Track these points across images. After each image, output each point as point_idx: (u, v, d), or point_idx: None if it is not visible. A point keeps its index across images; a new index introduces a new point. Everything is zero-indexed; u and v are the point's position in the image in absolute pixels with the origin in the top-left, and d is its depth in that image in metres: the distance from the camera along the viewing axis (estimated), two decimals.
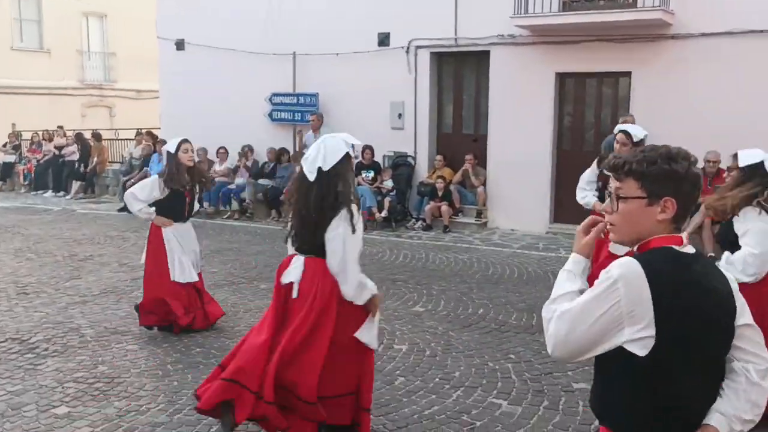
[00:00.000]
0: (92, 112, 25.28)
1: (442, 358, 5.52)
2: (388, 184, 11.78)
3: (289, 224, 3.95)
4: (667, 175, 1.97)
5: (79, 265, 8.88)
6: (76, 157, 16.62)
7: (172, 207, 6.05)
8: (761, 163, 4.23)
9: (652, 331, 1.87)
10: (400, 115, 12.25)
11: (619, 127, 5.82)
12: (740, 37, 9.43)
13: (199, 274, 6.31)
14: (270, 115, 13.48)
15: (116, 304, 7.07)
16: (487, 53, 11.40)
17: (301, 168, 3.87)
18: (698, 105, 9.73)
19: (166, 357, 5.57)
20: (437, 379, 5.08)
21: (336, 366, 3.74)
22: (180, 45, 14.42)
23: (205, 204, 13.30)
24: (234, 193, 13.22)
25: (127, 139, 18.14)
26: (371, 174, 12.02)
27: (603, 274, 1.95)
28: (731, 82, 9.54)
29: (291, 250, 3.95)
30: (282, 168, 13.03)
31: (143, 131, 16.50)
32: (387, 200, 11.63)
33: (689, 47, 9.82)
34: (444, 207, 11.37)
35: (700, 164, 9.68)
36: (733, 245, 4.20)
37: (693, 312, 1.90)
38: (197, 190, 6.28)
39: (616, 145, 5.65)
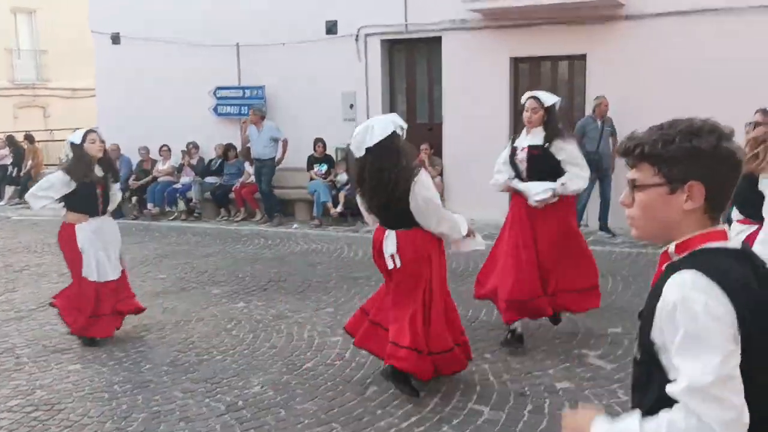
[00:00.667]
0: (25, 113, 24.12)
1: None
2: (342, 177, 11.36)
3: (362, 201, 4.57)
4: (689, 154, 1.59)
5: (14, 277, 8.25)
6: (8, 161, 15.77)
7: (84, 201, 5.58)
8: None
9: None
10: (351, 106, 11.84)
11: (527, 93, 5.41)
12: (692, 17, 9.32)
13: (123, 272, 5.87)
14: (215, 109, 12.91)
15: (56, 318, 6.47)
16: (438, 39, 11.08)
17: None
18: (653, 85, 9.60)
19: (112, 377, 5.08)
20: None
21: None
22: (116, 39, 13.67)
23: (149, 205, 12.69)
24: (180, 192, 12.62)
25: (63, 140, 17.21)
26: (324, 168, 11.58)
27: (666, 315, 1.53)
28: (684, 62, 9.43)
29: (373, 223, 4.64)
30: (229, 165, 12.48)
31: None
32: (342, 194, 11.21)
33: (642, 27, 9.67)
34: None
35: None
36: (749, 205, 3.95)
37: None
38: (111, 181, 5.83)
39: (526, 113, 5.21)
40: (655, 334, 1.55)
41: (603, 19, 9.86)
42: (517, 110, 10.90)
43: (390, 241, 4.36)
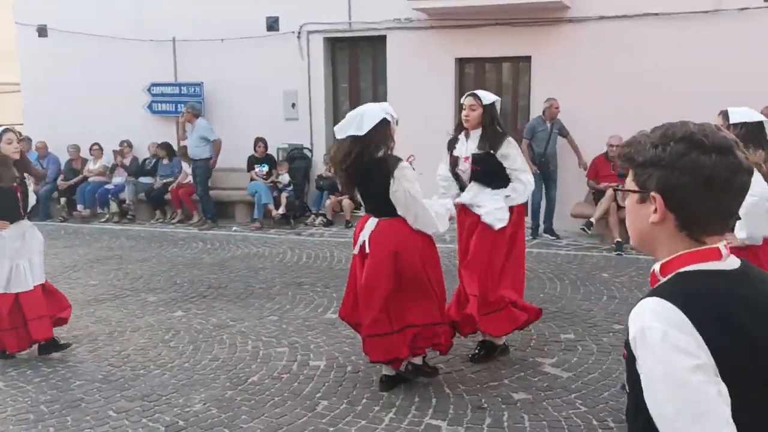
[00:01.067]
0: None
1: (366, 373, 4.93)
2: (284, 178, 11.04)
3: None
4: (652, 162, 1.44)
5: None
6: None
7: (3, 206, 5.17)
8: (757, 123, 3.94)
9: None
10: (293, 105, 11.53)
11: (468, 93, 5.24)
12: (636, 21, 9.39)
13: (46, 282, 5.47)
14: (149, 107, 12.37)
15: None
16: (383, 38, 10.88)
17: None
18: (598, 88, 9.65)
19: (38, 395, 4.68)
20: (365, 400, 4.50)
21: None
22: (42, 31, 12.95)
23: (79, 207, 12.08)
24: (112, 193, 12.04)
25: None
26: (265, 168, 11.23)
27: (634, 346, 1.38)
28: (628, 65, 9.50)
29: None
30: (164, 166, 11.98)
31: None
32: (284, 196, 10.89)
33: (587, 30, 9.70)
34: (345, 201, 10.77)
35: (602, 149, 9.63)
36: None
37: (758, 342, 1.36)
38: (29, 183, 5.43)
39: (464, 112, 5.02)
40: (638, 365, 1.39)
41: (548, 22, 9.85)
42: (461, 111, 10.83)
43: (368, 228, 4.50)
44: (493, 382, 4.74)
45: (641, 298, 1.42)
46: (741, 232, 3.69)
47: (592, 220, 9.00)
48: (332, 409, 4.37)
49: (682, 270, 1.43)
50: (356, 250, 4.59)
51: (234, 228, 10.91)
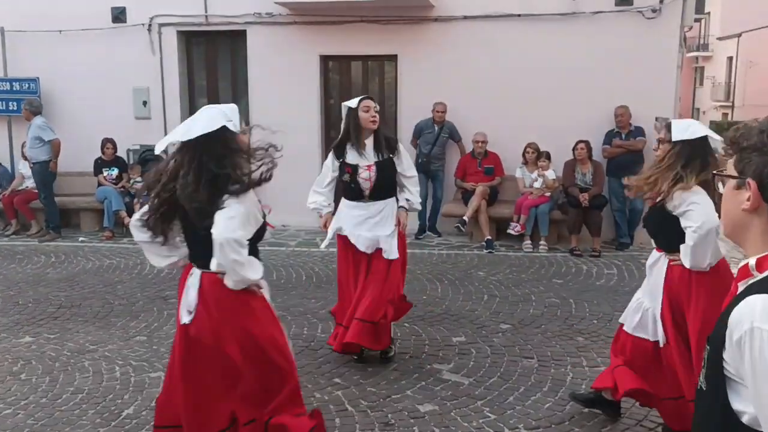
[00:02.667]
0: None
1: None
2: (138, 183, 10.17)
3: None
4: (754, 147, 1.43)
5: None
6: None
7: None
8: (700, 139, 3.57)
9: None
10: (145, 103, 10.66)
11: (365, 96, 5.06)
12: (499, 21, 9.54)
13: None
14: None
15: None
16: (243, 33, 10.31)
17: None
18: (463, 88, 9.70)
19: None
20: None
21: None
22: None
23: None
24: None
25: None
26: (115, 172, 10.29)
27: (735, 345, 1.32)
28: (493, 65, 9.63)
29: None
30: None
31: None
32: (137, 202, 10.02)
33: (452, 30, 9.73)
34: None
35: (468, 147, 9.71)
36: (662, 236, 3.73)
37: None
38: None
39: (368, 114, 4.77)
40: (726, 365, 1.35)
41: (414, 20, 9.77)
42: (327, 110, 10.53)
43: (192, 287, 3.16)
44: (396, 395, 4.48)
45: (741, 296, 1.33)
46: (685, 259, 3.52)
47: (465, 218, 9.02)
48: None
49: None
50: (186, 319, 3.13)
51: (81, 238, 9.89)
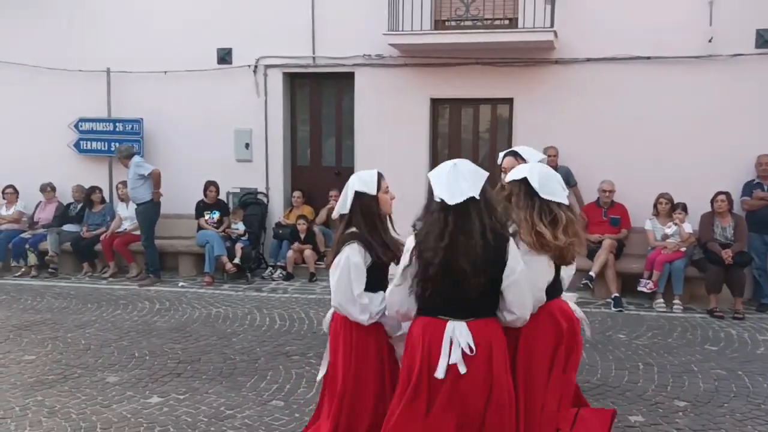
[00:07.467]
0: None
1: None
2: (240, 227, 9.85)
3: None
4: None
5: None
6: None
7: None
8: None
9: None
10: (247, 145, 10.41)
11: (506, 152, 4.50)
12: (626, 63, 8.98)
13: None
14: (77, 145, 10.90)
15: None
16: (350, 75, 10.00)
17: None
18: (584, 132, 9.16)
19: None
20: None
21: None
22: None
23: None
24: (30, 243, 10.41)
25: None
26: (216, 215, 10.00)
27: None
28: (618, 110, 9.08)
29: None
30: (94, 214, 10.51)
31: None
32: (239, 246, 9.68)
33: (574, 73, 9.21)
34: (308, 252, 9.70)
35: (594, 196, 9.08)
36: None
37: None
38: None
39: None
40: None
41: (533, 62, 9.29)
42: (435, 154, 10.04)
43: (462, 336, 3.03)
44: None
45: None
46: (510, 316, 3.07)
47: (592, 273, 8.35)
48: None
49: None
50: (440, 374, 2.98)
51: (181, 283, 9.56)
